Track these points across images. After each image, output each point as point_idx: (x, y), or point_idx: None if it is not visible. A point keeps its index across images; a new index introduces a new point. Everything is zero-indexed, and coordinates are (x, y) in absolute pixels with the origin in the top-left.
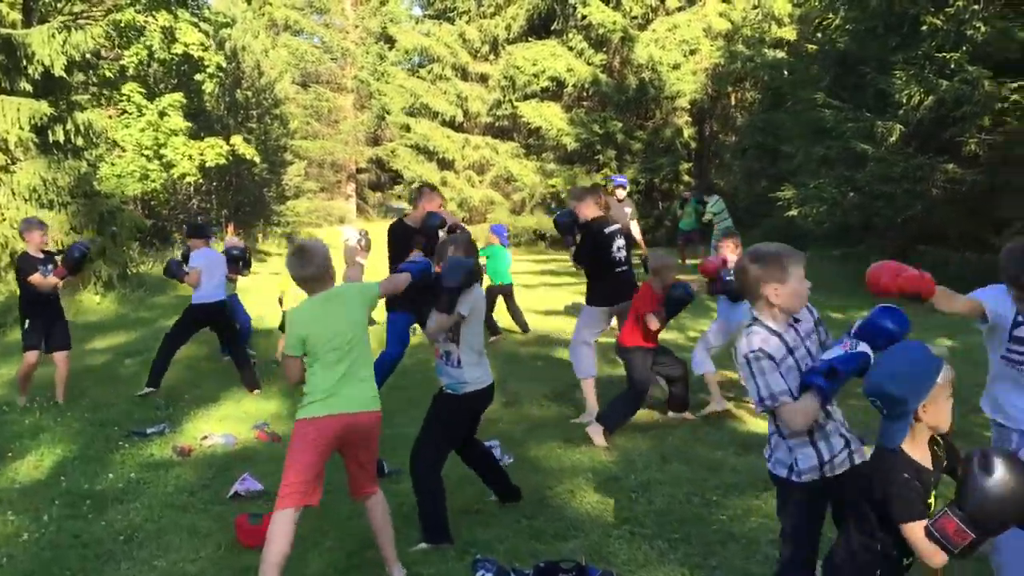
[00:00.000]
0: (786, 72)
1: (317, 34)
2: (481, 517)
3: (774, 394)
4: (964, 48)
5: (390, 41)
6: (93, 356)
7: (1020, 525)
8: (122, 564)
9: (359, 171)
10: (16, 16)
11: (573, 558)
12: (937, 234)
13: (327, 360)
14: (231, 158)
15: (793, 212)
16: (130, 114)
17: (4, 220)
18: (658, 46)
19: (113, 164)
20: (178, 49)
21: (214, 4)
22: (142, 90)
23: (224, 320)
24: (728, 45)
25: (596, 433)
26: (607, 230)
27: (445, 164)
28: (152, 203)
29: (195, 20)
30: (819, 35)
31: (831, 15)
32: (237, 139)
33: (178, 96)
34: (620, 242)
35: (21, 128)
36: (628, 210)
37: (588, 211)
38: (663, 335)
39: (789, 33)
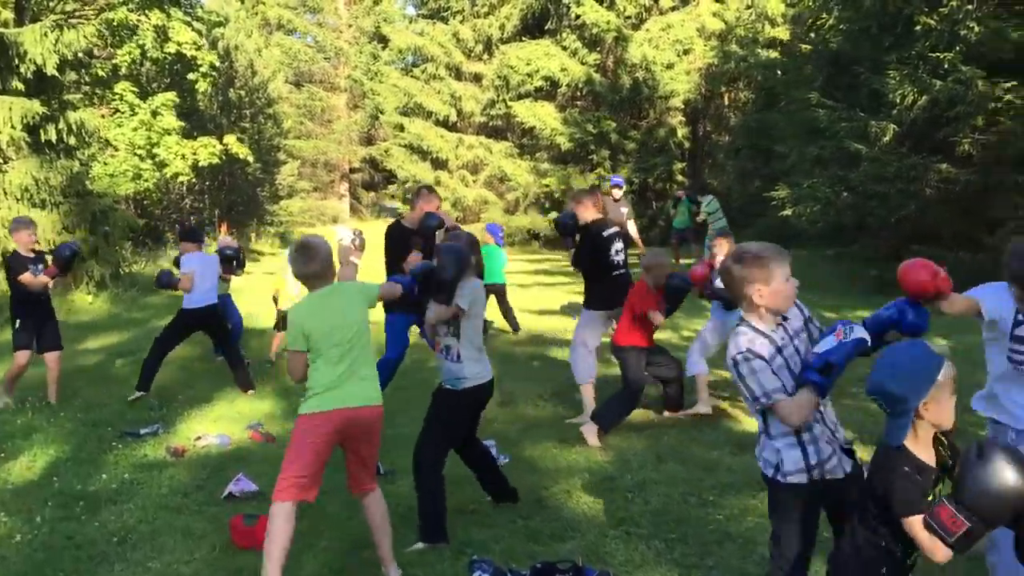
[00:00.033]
0: (779, 72)
1: (310, 33)
2: (477, 517)
3: (768, 392)
4: (958, 48)
5: (383, 40)
6: (86, 356)
7: (1015, 518)
8: (116, 566)
9: (352, 171)
10: (8, 15)
11: (570, 558)
12: (931, 234)
13: (329, 356)
14: (224, 158)
15: (787, 212)
16: (123, 113)
17: None
18: (652, 46)
19: (105, 163)
20: (171, 48)
21: (207, 3)
22: (135, 89)
23: (216, 323)
24: (722, 45)
25: (590, 433)
26: (606, 233)
27: (439, 164)
28: (145, 203)
29: (188, 19)
30: (812, 35)
31: (825, 15)
32: (230, 138)
33: (171, 95)
34: (619, 245)
35: (13, 127)
36: (625, 210)
37: (587, 213)
38: (658, 334)
39: (782, 33)
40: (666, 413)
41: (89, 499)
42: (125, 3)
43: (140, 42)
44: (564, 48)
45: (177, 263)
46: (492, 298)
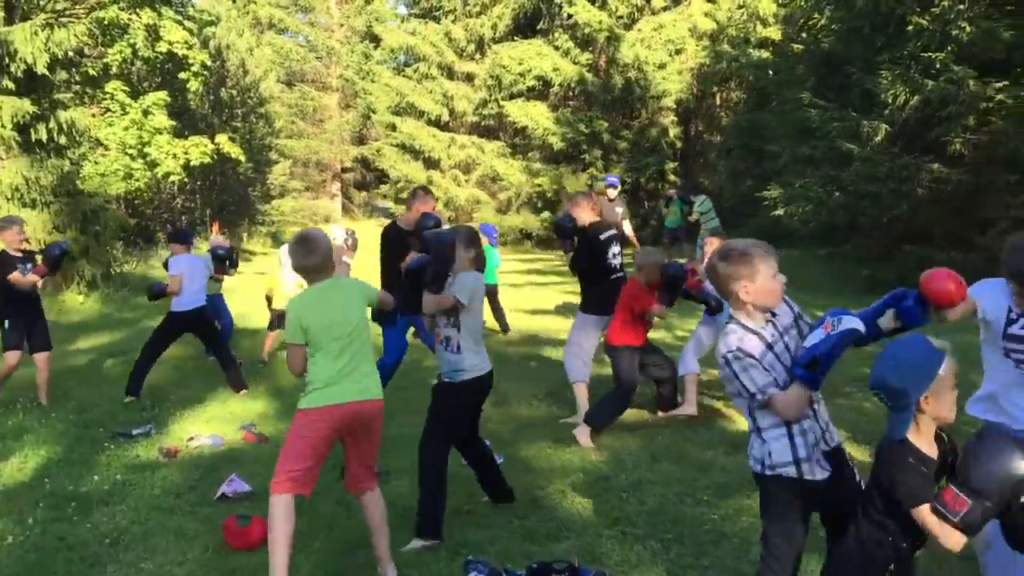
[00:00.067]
0: (771, 72)
1: (302, 33)
2: (472, 518)
3: (761, 388)
4: (949, 48)
5: (375, 40)
6: (77, 356)
7: (1007, 503)
8: (108, 567)
9: (344, 170)
10: None
11: (566, 559)
12: (922, 233)
13: (329, 350)
14: (216, 157)
15: (779, 211)
16: (113, 112)
17: None
18: (644, 46)
19: (96, 163)
20: (162, 47)
21: (198, 2)
22: (126, 88)
23: (205, 325)
24: (713, 45)
25: (583, 434)
26: (603, 236)
27: (431, 163)
28: (136, 202)
29: (179, 18)
30: (804, 35)
31: (817, 15)
32: (222, 138)
33: (162, 94)
34: (616, 248)
35: (3, 126)
36: (619, 210)
37: (584, 215)
38: (651, 334)
39: (774, 33)
40: (659, 413)
41: (81, 500)
42: (116, 2)
43: (131, 41)
44: (556, 48)
45: (167, 266)
46: (484, 298)
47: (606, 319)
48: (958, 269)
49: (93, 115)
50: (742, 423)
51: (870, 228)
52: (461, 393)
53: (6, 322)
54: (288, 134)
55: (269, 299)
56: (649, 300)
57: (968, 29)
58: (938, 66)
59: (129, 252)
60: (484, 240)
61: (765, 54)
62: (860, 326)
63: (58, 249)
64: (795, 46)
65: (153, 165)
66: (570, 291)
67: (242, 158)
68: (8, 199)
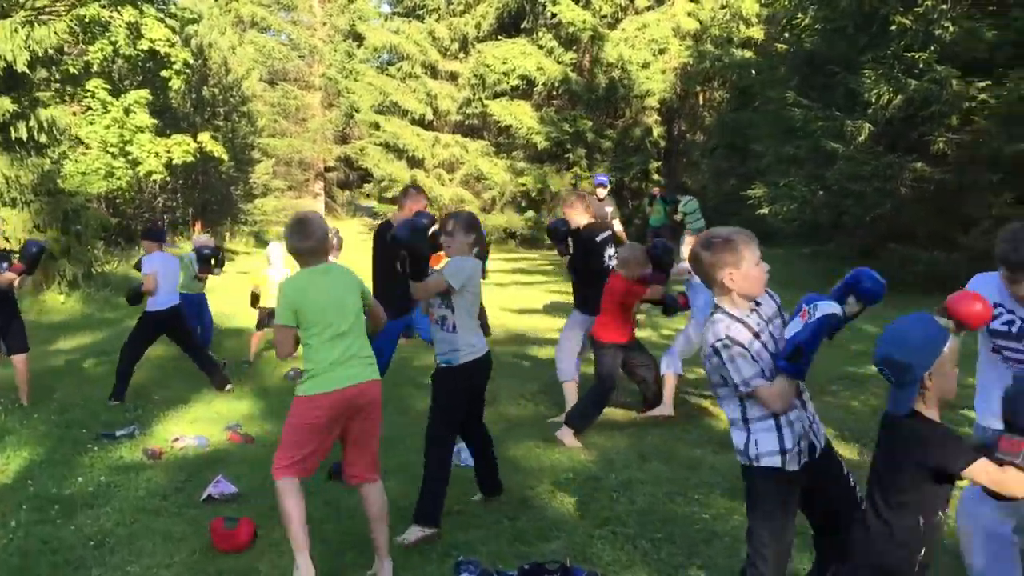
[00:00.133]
0: (754, 72)
1: (284, 31)
2: (463, 518)
3: (747, 379)
4: (932, 48)
5: (358, 38)
6: (58, 356)
7: None
8: (93, 570)
9: (327, 169)
10: None
11: (557, 559)
12: (906, 232)
13: (324, 336)
14: (198, 156)
15: (764, 210)
16: (95, 111)
17: None
18: (627, 45)
19: (77, 161)
20: (144, 45)
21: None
22: (107, 86)
23: (180, 325)
24: (697, 45)
25: (566, 435)
26: (599, 238)
27: (415, 162)
28: (117, 201)
29: (161, 16)
30: (787, 35)
31: (800, 14)
32: (204, 136)
33: (144, 93)
34: (611, 250)
35: None
36: (609, 209)
37: (577, 217)
38: (638, 332)
39: (757, 33)
40: (647, 413)
41: (65, 502)
42: None
43: (112, 39)
44: (540, 47)
45: (138, 267)
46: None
47: None
48: (941, 268)
49: (74, 113)
50: None
51: (854, 227)
52: (458, 377)
53: None
54: (271, 133)
55: (256, 297)
56: (641, 289)
57: (951, 29)
58: (921, 66)
59: (110, 251)
60: None
61: (748, 54)
62: (837, 309)
63: (35, 247)
64: (778, 46)
65: (135, 164)
66: (556, 290)
67: (225, 157)
68: None
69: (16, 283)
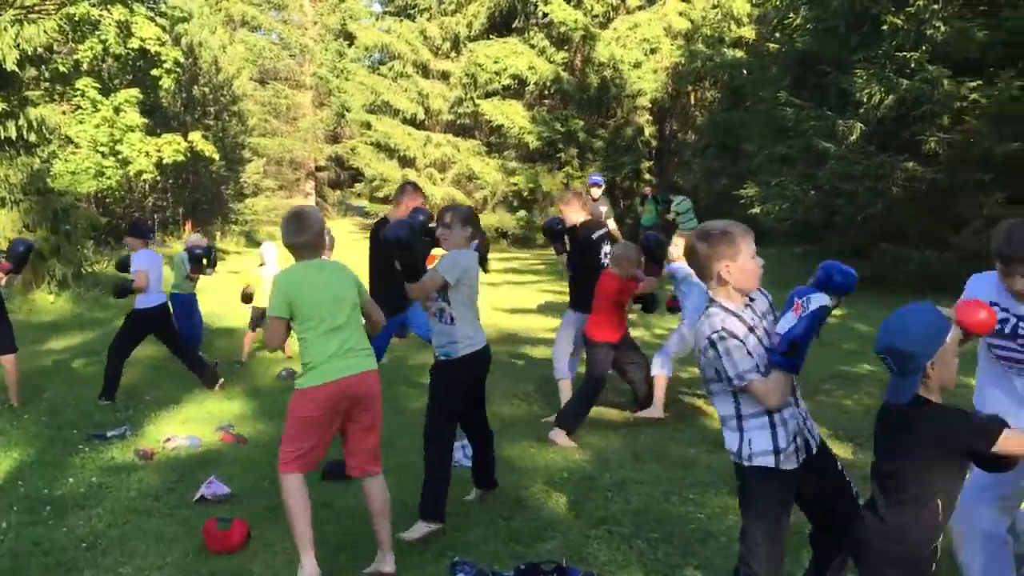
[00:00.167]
0: (745, 72)
1: (275, 30)
2: (458, 519)
3: (741, 373)
4: (924, 48)
5: (349, 38)
6: (49, 357)
7: None
8: (85, 572)
9: (318, 169)
10: None
11: (553, 559)
12: (897, 232)
13: (319, 330)
14: (189, 155)
15: (755, 210)
16: (84, 110)
17: None
18: (619, 45)
19: (67, 161)
20: (134, 44)
21: None
22: (97, 85)
23: (167, 324)
24: (688, 44)
25: (559, 436)
26: (595, 236)
27: (406, 162)
28: (107, 201)
29: (151, 14)
30: (778, 34)
31: (792, 14)
32: (195, 136)
33: (134, 92)
34: (607, 248)
35: None
36: (604, 208)
37: (574, 215)
38: (632, 331)
39: (748, 33)
40: (639, 413)
41: (56, 504)
42: None
43: (102, 37)
44: (532, 46)
45: (122, 264)
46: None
47: None
48: (932, 267)
49: (64, 112)
50: None
51: (845, 226)
52: (456, 370)
53: None
54: (261, 132)
55: (249, 296)
56: (634, 286)
57: (942, 29)
58: (913, 65)
59: (100, 251)
60: None
61: (740, 53)
62: (828, 301)
63: (23, 246)
64: (770, 45)
65: (125, 163)
66: (548, 289)
67: (215, 156)
68: None
69: (3, 282)
